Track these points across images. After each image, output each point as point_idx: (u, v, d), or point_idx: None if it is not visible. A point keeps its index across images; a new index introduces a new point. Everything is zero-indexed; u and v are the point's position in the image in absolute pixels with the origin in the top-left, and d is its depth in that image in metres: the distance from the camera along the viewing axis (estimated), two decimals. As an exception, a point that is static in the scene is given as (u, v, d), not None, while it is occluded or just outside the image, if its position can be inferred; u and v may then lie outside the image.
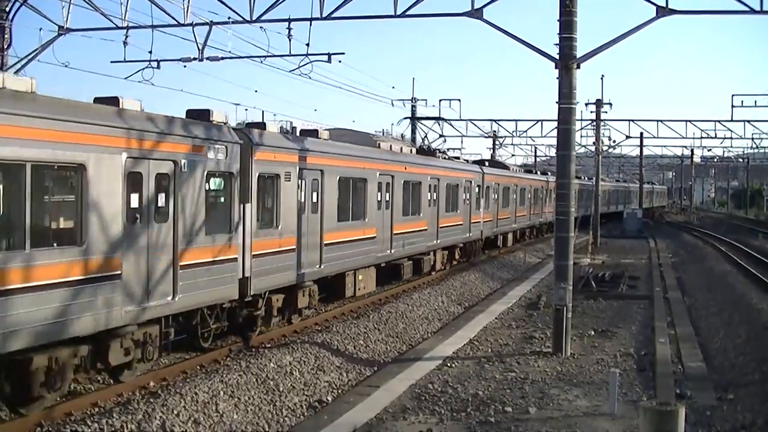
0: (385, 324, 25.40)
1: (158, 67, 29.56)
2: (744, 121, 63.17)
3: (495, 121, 67.84)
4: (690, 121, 64.74)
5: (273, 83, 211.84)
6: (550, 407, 16.50)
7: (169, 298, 17.58)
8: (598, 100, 61.05)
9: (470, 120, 65.23)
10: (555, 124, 22.62)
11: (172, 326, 18.50)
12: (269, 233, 21.55)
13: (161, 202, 17.26)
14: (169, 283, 17.52)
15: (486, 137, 72.93)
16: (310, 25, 27.07)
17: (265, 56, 29.82)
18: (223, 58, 29.41)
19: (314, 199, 24.01)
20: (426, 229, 34.62)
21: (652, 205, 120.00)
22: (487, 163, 51.90)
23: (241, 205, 20.13)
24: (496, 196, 48.16)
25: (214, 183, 19.43)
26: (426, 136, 56.64)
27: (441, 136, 64.02)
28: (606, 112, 62.11)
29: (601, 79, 62.84)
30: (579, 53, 21.72)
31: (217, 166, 19.16)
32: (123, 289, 16.08)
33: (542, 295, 32.10)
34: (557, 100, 21.91)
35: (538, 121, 65.87)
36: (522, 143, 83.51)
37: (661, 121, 65.47)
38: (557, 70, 21.79)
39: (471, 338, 23.84)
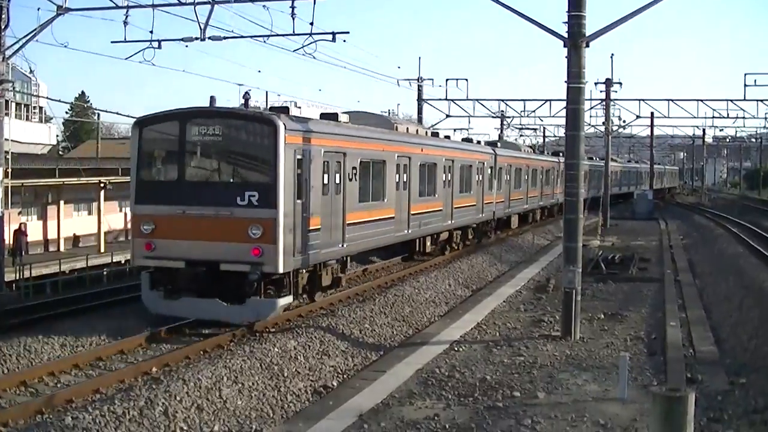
0: (392, 308, 25.36)
1: (159, 47, 29.40)
2: (757, 100, 62.68)
3: (503, 101, 67.55)
4: (702, 100, 64.41)
5: (276, 63, 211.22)
6: (559, 392, 16.46)
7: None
8: (607, 79, 60.78)
9: (477, 100, 64.96)
10: (564, 104, 22.46)
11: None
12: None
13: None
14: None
15: (493, 117, 72.63)
16: (314, 3, 26.92)
17: (269, 35, 29.66)
18: (225, 38, 29.27)
19: (337, 181, 24.97)
20: (441, 210, 35.71)
21: (663, 186, 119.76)
22: (499, 144, 52.41)
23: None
24: (508, 177, 48.80)
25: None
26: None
27: (448, 116, 63.93)
28: (616, 92, 61.95)
29: (611, 57, 62.80)
30: (588, 31, 21.58)
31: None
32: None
33: (551, 278, 32.05)
34: (566, 79, 21.78)
35: (546, 100, 65.50)
36: (530, 123, 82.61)
37: (672, 100, 65.08)
38: (566, 49, 21.65)
39: (478, 322, 23.82)
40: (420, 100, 60.22)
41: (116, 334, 21.13)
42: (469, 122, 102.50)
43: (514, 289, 30.22)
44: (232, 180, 22.16)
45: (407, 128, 33.68)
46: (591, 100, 64.49)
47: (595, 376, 17.61)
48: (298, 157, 22.28)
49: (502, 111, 72.45)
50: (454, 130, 57.74)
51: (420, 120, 59.22)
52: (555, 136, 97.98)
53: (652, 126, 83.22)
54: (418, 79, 59.11)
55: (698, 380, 17.31)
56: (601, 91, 61.47)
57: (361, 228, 26.76)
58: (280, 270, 21.49)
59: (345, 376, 18.68)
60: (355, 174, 26.27)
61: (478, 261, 37.17)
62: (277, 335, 20.69)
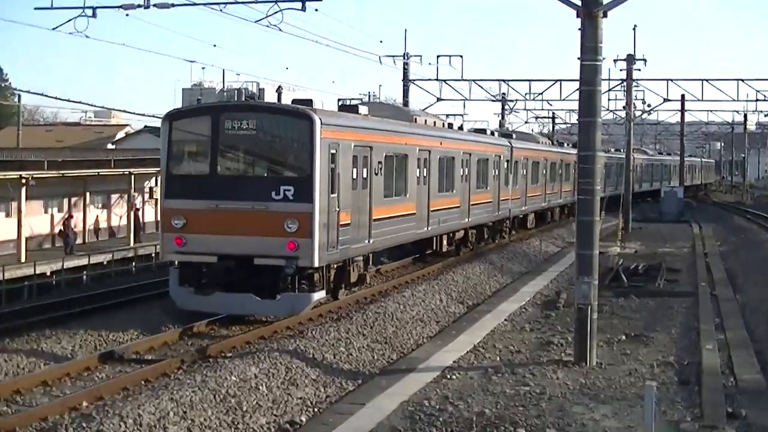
0: (371, 327, 25.37)
1: (94, 15, 29.37)
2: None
3: (504, 81, 67.65)
4: (742, 80, 64.78)
5: (235, 36, 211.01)
6: (573, 428, 16.46)
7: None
8: (629, 55, 61.06)
9: (474, 80, 65.05)
10: (577, 84, 22.50)
11: None
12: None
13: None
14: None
15: (493, 101, 72.57)
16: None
17: (226, 2, 29.65)
18: (173, 5, 29.23)
19: (364, 175, 28.66)
20: (459, 206, 39.36)
21: (695, 182, 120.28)
22: (514, 136, 54.16)
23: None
24: (524, 172, 51.27)
25: None
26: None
27: (439, 99, 63.93)
28: (639, 70, 62.21)
29: (633, 30, 62.88)
30: (606, -2, 21.65)
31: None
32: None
33: (562, 292, 32.17)
34: (579, 55, 21.81)
35: (556, 81, 65.72)
36: (537, 108, 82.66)
37: (707, 80, 65.46)
38: (579, 20, 21.67)
39: (476, 344, 23.85)
40: (406, 80, 60.30)
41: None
42: (464, 107, 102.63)
43: (518, 305, 30.28)
44: (266, 174, 25.91)
45: (425, 120, 37.77)
46: (609, 80, 64.77)
47: (615, 410, 17.63)
48: (332, 151, 26.02)
49: (504, 94, 72.56)
50: (446, 116, 57.63)
51: (406, 104, 59.23)
52: (566, 123, 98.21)
53: (682, 111, 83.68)
54: (403, 56, 59.20)
55: (741, 415, 17.32)
56: (621, 70, 61.81)
57: (386, 224, 30.58)
58: (316, 264, 24.99)
59: (316, 409, 18.64)
60: (381, 168, 30.07)
61: (475, 271, 37.21)
62: (234, 361, 20.63)
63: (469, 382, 19.79)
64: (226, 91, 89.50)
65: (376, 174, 29.65)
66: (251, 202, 25.05)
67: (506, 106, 78.06)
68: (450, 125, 43.28)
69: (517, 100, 72.16)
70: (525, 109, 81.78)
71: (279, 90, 27.49)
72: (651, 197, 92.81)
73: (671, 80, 66.99)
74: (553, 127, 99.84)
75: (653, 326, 26.72)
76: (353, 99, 42.15)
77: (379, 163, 29.93)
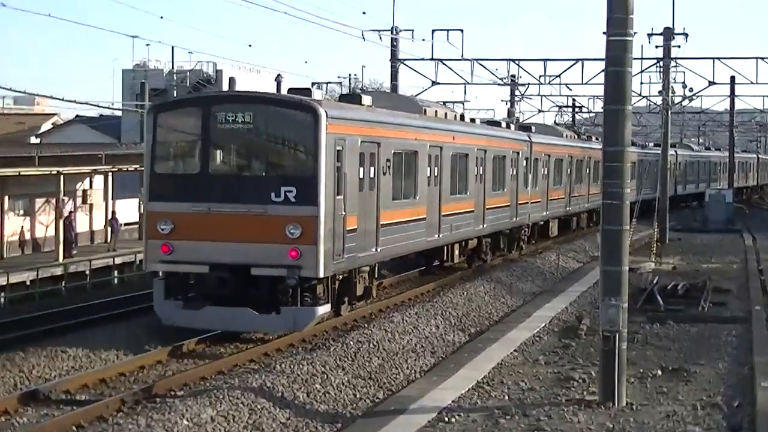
0: (353, 359, 25.42)
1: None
2: None
3: (513, 61, 67.53)
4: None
5: (187, 7, 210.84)
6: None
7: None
8: (666, 29, 61.19)
9: (477, 60, 64.97)
10: (602, 65, 22.61)
11: None
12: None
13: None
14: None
15: (501, 85, 72.53)
16: None
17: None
18: (110, -33, 29.26)
19: (371, 175, 30.30)
20: (473, 211, 41.03)
21: (748, 184, 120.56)
22: (533, 128, 54.90)
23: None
24: (545, 171, 52.56)
25: None
26: None
27: (435, 83, 63.90)
28: (679, 47, 62.24)
29: (672, -1, 62.84)
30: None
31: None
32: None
33: (584, 317, 32.24)
34: (605, 29, 21.90)
35: (576, 60, 65.69)
36: (553, 93, 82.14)
37: (762, 58, 65.52)
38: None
39: (479, 380, 23.89)
40: (395, 60, 60.36)
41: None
42: (465, 92, 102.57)
43: (531, 333, 30.35)
44: (265, 174, 27.42)
45: (435, 111, 39.32)
46: (642, 59, 64.75)
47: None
48: (338, 148, 27.50)
49: (513, 76, 72.53)
50: (443, 102, 57.75)
51: (394, 89, 59.32)
52: (589, 112, 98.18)
53: (732, 96, 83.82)
54: (391, 30, 59.20)
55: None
56: (657, 47, 61.90)
57: (395, 230, 32.31)
58: (321, 274, 26.51)
59: (285, 460, 18.68)
60: (389, 167, 31.68)
61: (478, 291, 37.31)
62: (187, 401, 20.61)
63: (471, 427, 19.84)
64: (176, 72, 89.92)
65: (384, 173, 31.19)
66: (248, 205, 26.58)
67: (516, 92, 78.18)
68: (462, 117, 45.04)
69: (529, 83, 72.17)
70: (539, 95, 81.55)
71: (278, 79, 28.51)
72: (694, 201, 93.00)
73: (719, 59, 66.95)
74: (574, 116, 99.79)
75: (696, 359, 26.79)
76: (330, 82, 43.21)
77: (388, 161, 31.51)
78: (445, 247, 39.15)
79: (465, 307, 34.33)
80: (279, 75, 28.59)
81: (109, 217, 60.30)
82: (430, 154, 35.69)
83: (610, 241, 22.24)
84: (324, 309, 27.28)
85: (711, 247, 58.97)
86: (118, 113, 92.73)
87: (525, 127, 54.94)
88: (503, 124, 51.41)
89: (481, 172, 42.03)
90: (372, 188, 30.38)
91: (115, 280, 50.15)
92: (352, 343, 26.75)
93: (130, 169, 58.14)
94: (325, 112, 26.67)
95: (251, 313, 26.32)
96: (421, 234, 34.99)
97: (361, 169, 29.39)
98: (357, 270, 29.83)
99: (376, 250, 30.82)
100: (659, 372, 24.96)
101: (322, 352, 25.71)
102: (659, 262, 48.24)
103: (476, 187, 41.30)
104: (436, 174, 36.44)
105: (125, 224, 61.52)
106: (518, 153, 47.81)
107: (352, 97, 33.08)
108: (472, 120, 47.37)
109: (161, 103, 28.30)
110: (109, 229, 59.45)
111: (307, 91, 28.54)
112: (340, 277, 28.72)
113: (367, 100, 32.54)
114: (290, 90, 28.77)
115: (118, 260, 52.09)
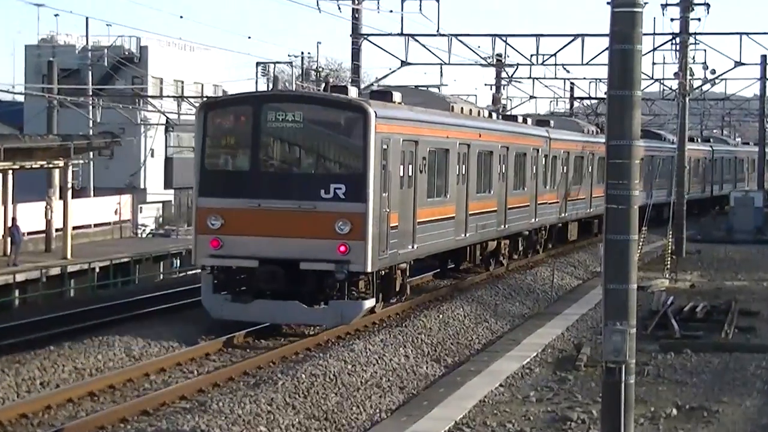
0: (305, 396, 25.43)
1: None
2: None
3: (500, 37, 67.67)
4: None
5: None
6: None
7: None
8: (683, -1, 61.42)
9: (455, 35, 65.13)
10: (605, 42, 22.68)
11: None
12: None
13: None
14: None
15: (484, 65, 72.58)
16: None
17: None
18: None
19: (410, 173, 36.29)
20: (495, 211, 47.07)
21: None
22: (552, 123, 58.42)
23: None
24: (564, 169, 56.48)
25: None
26: None
27: (405, 63, 63.96)
28: (698, 20, 62.50)
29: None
30: None
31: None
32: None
33: (583, 345, 32.33)
34: (609, -1, 21.96)
35: (575, 36, 65.88)
36: (548, 76, 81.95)
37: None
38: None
39: (457, 421, 23.96)
40: (356, 35, 60.49)
41: None
42: (442, 73, 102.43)
43: (519, 364, 30.46)
44: (314, 171, 33.73)
45: (461, 108, 45.57)
46: (654, 35, 65.13)
47: None
48: (384, 146, 33.39)
49: (499, 55, 72.57)
50: (415, 86, 57.83)
51: (356, 69, 59.39)
52: (590, 98, 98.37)
53: (764, 79, 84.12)
54: (352, 1, 59.22)
55: None
56: (672, 20, 62.08)
57: (429, 227, 38.29)
58: (369, 269, 32.53)
59: None
60: (425, 165, 37.70)
61: (457, 314, 37.46)
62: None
63: (447, 477, 19.87)
64: (91, 49, 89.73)
65: (421, 171, 37.37)
66: (298, 201, 32.60)
67: (503, 74, 78.32)
68: (490, 114, 51.72)
69: (518, 64, 72.13)
70: (530, 78, 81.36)
71: (326, 79, 34.36)
72: (714, 206, 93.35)
73: (746, 34, 67.37)
74: (572, 102, 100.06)
75: (718, 395, 26.93)
76: (279, 62, 49.14)
77: (424, 159, 37.68)
78: (468, 248, 44.80)
79: (440, 333, 34.46)
80: (327, 75, 33.58)
81: (9, 224, 59.70)
82: (459, 151, 42.02)
83: (614, 253, 22.24)
84: (370, 303, 33.14)
85: (737, 261, 59.22)
86: (20, 98, 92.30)
87: (543, 122, 58.87)
88: (520, 119, 55.08)
89: (503, 170, 48.05)
90: (410, 186, 36.28)
91: (16, 302, 49.99)
92: (304, 376, 26.69)
93: (35, 166, 57.89)
94: (375, 112, 32.56)
95: (300, 306, 32.33)
96: (450, 233, 41.11)
97: (402, 167, 35.28)
98: (396, 266, 35.67)
99: (413, 247, 36.78)
100: (674, 411, 25.09)
101: (268, 386, 25.62)
102: (674, 279, 48.39)
103: (499, 186, 47.36)
104: (464, 172, 42.74)
105: (29, 233, 61.23)
106: (538, 150, 53.18)
107: (383, 94, 38.15)
108: (490, 115, 52.01)
109: (211, 100, 34.54)
110: (9, 239, 58.65)
111: (343, 89, 34.61)
112: (383, 273, 34.38)
113: (397, 96, 38.25)
114: (331, 88, 34.81)
115: (19, 277, 51.90)
